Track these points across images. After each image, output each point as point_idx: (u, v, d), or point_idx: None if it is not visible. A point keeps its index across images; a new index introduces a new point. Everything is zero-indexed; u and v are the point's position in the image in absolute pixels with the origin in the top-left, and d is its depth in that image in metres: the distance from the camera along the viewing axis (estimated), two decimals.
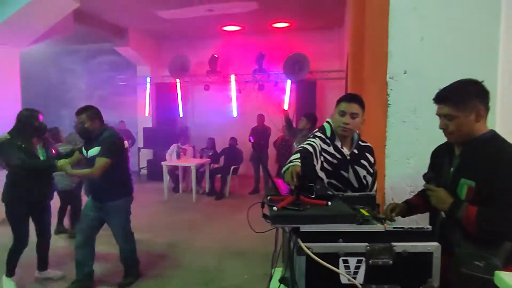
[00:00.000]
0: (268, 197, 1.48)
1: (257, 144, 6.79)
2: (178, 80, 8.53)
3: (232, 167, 6.85)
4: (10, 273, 3.03)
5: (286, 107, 7.30)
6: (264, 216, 1.49)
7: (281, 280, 1.43)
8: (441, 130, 1.49)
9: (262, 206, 1.52)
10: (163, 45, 9.43)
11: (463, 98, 1.38)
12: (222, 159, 7.22)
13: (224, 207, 6.07)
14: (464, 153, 1.44)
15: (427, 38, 2.06)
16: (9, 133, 2.93)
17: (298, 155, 1.59)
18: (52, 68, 9.84)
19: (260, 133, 6.85)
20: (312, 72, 7.61)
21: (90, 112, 2.88)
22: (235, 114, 8.43)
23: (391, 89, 2.12)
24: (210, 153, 7.19)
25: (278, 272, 1.76)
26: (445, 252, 1.19)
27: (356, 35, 3.71)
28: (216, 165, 7.12)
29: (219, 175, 6.87)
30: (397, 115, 2.11)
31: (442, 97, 1.43)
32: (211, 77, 8.22)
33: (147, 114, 8.91)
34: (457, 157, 1.48)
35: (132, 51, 8.49)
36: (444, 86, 1.47)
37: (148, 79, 8.93)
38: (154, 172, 7.98)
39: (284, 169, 1.55)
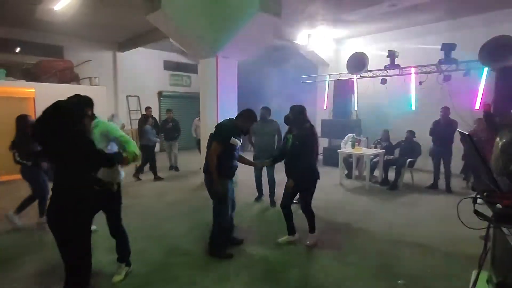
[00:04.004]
0: (485, 193, 1.24)
1: (440, 138, 5.81)
2: (355, 76, 8.30)
3: (408, 160, 6.14)
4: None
5: (479, 98, 5.89)
6: (477, 212, 1.27)
7: (501, 285, 1.18)
8: None
9: (474, 202, 1.30)
10: (341, 45, 9.37)
11: None
12: (397, 151, 6.59)
13: (398, 197, 5.55)
14: None
15: None
16: None
17: None
18: (253, 72, 11.49)
19: (443, 127, 5.80)
20: None
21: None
22: (413, 107, 7.46)
23: None
24: (385, 145, 6.68)
25: (483, 275, 1.47)
26: None
27: None
28: (391, 157, 6.56)
29: (393, 167, 6.30)
30: None
31: None
32: (389, 70, 7.54)
33: (325, 107, 9.15)
34: None
35: (315, 54, 8.86)
36: None
37: (327, 77, 9.12)
38: (329, 158, 8.22)
39: None
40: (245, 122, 3.25)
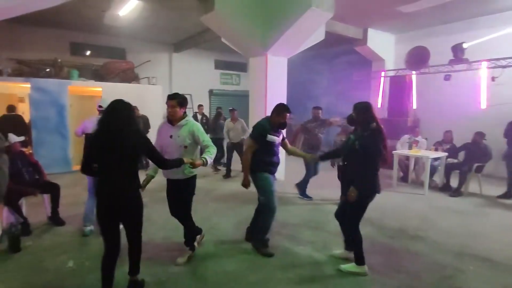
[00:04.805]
0: None
1: None
2: (414, 72, 7.74)
3: (476, 165, 5.55)
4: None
5: None
6: None
7: None
8: None
9: None
10: (399, 39, 8.81)
11: None
12: (462, 154, 6.00)
13: (462, 205, 5.04)
14: None
15: None
16: None
17: None
18: (302, 69, 11.35)
19: None
20: None
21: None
22: (483, 105, 6.72)
23: None
24: (447, 147, 6.13)
25: None
26: None
27: None
28: (455, 160, 6.00)
29: (456, 171, 5.76)
30: None
31: None
32: (455, 65, 6.89)
33: (379, 106, 8.69)
34: None
35: (369, 49, 8.45)
36: None
37: (382, 74, 8.65)
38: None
39: None
40: (277, 115, 3.26)
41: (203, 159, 2.73)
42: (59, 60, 7.64)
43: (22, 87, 6.90)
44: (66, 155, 7.08)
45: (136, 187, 2.36)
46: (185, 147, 2.82)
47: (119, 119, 2.24)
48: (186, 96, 2.98)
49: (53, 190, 3.94)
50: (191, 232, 3.15)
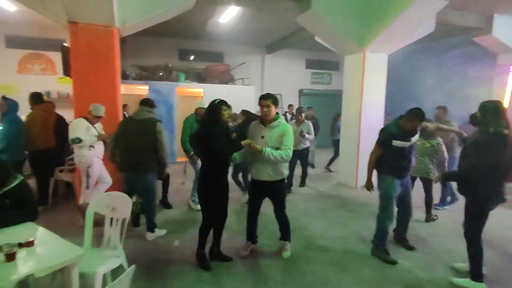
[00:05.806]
0: None
1: None
2: None
3: None
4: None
5: None
6: None
7: None
8: None
9: None
10: None
11: None
12: None
13: None
14: None
15: None
16: None
17: None
18: (404, 65, 10.32)
19: None
20: None
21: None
22: None
23: None
24: None
25: None
26: None
27: None
28: None
29: None
30: None
31: None
32: None
33: (506, 106, 7.28)
34: None
35: (495, 39, 7.14)
36: None
37: None
38: None
39: None
40: (407, 121, 3.08)
41: (264, 149, 2.74)
42: (170, 65, 8.81)
43: (142, 89, 8.21)
44: (172, 148, 8.13)
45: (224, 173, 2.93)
46: (277, 148, 2.84)
47: (206, 120, 2.86)
48: (276, 95, 3.07)
49: (165, 178, 4.57)
50: (287, 227, 3.26)
